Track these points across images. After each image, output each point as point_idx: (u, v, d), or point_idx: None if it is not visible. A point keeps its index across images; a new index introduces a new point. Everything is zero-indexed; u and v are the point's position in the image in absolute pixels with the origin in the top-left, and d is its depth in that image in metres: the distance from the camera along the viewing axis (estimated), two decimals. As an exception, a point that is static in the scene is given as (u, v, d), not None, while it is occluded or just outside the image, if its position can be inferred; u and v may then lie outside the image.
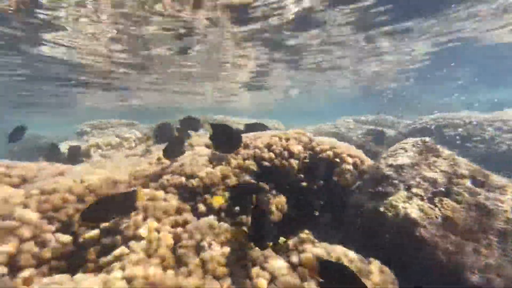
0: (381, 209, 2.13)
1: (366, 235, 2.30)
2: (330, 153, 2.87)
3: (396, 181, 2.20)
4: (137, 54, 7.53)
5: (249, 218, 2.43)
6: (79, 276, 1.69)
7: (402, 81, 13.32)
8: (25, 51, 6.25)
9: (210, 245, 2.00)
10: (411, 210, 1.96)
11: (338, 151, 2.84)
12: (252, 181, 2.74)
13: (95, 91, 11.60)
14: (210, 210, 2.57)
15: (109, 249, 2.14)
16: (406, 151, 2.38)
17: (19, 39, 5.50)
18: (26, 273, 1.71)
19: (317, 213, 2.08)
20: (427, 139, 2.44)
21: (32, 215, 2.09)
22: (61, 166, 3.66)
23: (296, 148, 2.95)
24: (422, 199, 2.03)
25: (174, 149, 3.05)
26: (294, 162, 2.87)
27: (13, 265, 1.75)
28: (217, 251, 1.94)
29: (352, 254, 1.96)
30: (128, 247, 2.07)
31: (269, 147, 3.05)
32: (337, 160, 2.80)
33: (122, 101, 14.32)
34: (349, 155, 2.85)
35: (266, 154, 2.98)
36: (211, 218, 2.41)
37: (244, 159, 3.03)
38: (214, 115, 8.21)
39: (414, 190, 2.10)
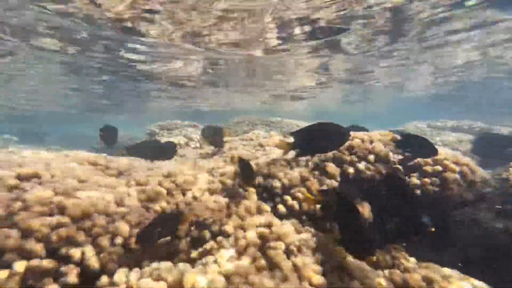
0: (517, 230, 1.70)
1: (489, 261, 1.88)
2: (428, 159, 2.48)
3: (540, 198, 1.72)
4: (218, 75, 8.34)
5: (335, 225, 2.25)
6: (181, 265, 1.77)
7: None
8: (117, 58, 7.31)
9: (299, 249, 1.90)
10: None
11: (439, 157, 2.44)
12: (335, 184, 2.55)
13: (165, 98, 12.95)
14: (291, 212, 2.48)
15: (197, 242, 2.23)
16: (554, 159, 1.86)
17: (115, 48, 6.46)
18: (137, 254, 1.88)
19: (433, 229, 1.76)
20: None
21: (136, 204, 2.32)
22: (145, 161, 4.10)
23: (384, 151, 2.64)
24: None
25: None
26: (381, 167, 2.57)
27: (127, 247, 1.95)
28: (309, 257, 1.82)
29: (480, 284, 1.60)
30: (217, 242, 2.12)
31: (350, 149, 2.81)
32: (438, 167, 2.40)
33: (183, 104, 15.61)
34: (455, 162, 2.41)
35: (347, 157, 2.75)
36: (296, 221, 2.31)
37: (322, 161, 2.87)
38: (272, 118, 8.23)
39: None
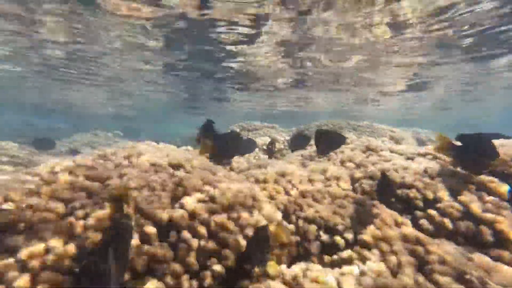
0: None
1: None
2: None
3: None
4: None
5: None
6: (331, 270, 1.67)
7: None
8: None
9: (483, 283, 1.52)
10: None
11: None
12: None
13: (241, 98, 13.68)
14: (440, 231, 2.08)
15: (329, 248, 2.11)
16: None
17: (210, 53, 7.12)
18: (276, 251, 1.89)
19: None
20: None
21: (266, 200, 2.38)
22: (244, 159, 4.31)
23: None
24: None
25: None
26: None
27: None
28: (500, 295, 1.43)
29: None
30: (355, 251, 1.95)
31: (522, 161, 2.18)
32: None
33: (257, 105, 16.02)
34: None
35: (519, 170, 2.14)
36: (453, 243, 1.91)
37: (474, 173, 2.32)
38: (359, 121, 7.53)
39: None
